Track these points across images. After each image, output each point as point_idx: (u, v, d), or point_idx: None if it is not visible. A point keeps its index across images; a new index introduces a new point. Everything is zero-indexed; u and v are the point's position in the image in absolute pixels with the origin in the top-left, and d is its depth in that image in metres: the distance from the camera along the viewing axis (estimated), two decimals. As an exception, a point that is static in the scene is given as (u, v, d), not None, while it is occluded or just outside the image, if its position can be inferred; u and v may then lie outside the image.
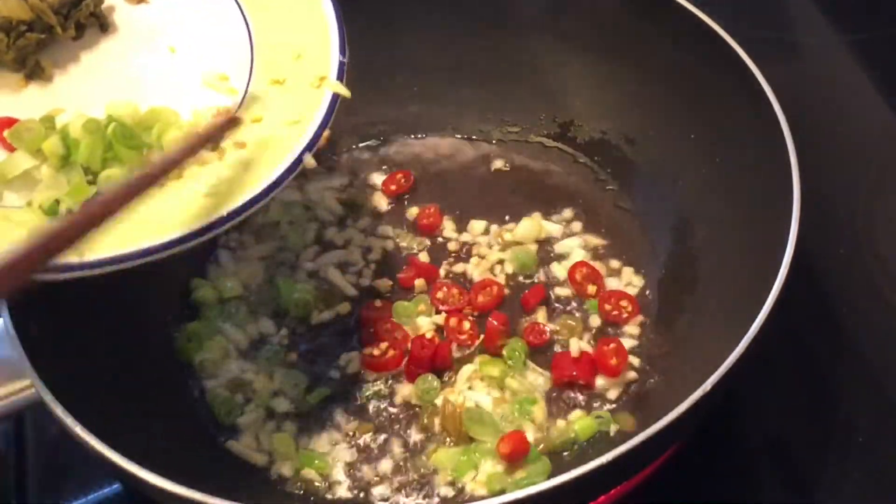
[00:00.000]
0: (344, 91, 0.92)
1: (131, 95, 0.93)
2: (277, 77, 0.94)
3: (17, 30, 0.95)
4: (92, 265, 0.80)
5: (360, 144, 1.25)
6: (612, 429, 0.97)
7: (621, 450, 0.77)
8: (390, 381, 1.03)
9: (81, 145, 0.87)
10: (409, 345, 1.04)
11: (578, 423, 0.98)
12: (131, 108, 0.91)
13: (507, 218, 1.16)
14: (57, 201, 0.85)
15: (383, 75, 1.24)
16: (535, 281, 1.10)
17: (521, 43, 1.21)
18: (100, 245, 0.79)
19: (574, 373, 1.01)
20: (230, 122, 0.90)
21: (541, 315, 1.07)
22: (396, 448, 0.98)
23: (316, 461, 0.97)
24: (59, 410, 0.82)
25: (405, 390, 1.02)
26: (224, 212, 0.83)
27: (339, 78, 0.92)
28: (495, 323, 1.04)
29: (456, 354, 1.04)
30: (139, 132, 0.90)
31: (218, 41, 0.98)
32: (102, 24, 0.99)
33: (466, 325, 1.05)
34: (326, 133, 0.89)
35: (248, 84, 0.95)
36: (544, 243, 1.14)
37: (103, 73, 0.97)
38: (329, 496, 0.96)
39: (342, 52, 0.94)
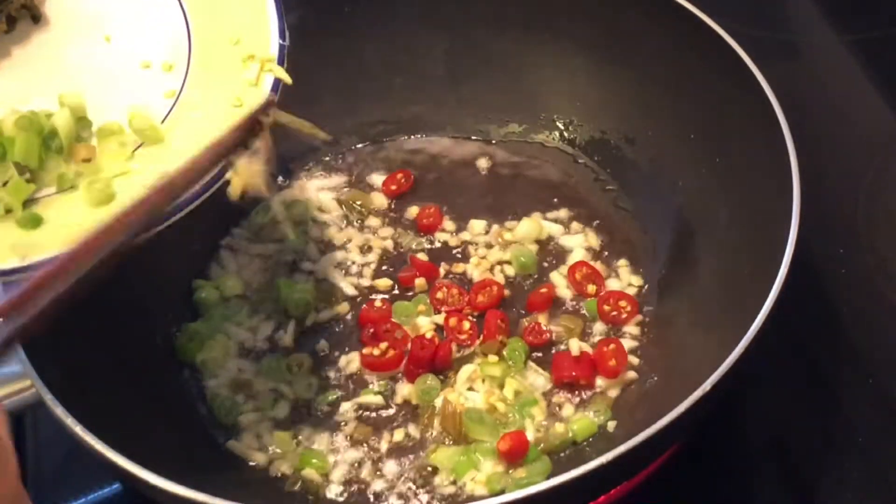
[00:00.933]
0: (285, 76, 0.91)
1: (68, 87, 0.91)
2: (217, 62, 0.94)
3: None
4: (36, 266, 0.78)
5: (360, 144, 1.25)
6: (612, 428, 0.97)
7: (621, 450, 0.77)
8: (390, 382, 1.03)
9: (16, 143, 0.85)
10: (409, 345, 1.04)
11: (578, 423, 0.98)
12: (78, 100, 0.90)
13: (507, 218, 1.16)
14: None
15: (383, 75, 1.24)
16: (534, 281, 1.10)
17: (521, 43, 1.21)
18: (44, 244, 0.79)
19: (574, 373, 1.01)
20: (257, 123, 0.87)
21: (541, 315, 1.07)
22: (396, 448, 0.98)
23: (316, 461, 0.97)
24: (59, 410, 0.82)
25: (405, 390, 1.02)
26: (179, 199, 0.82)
27: (280, 62, 0.92)
28: (496, 322, 1.04)
29: (456, 354, 1.04)
30: (79, 128, 0.89)
31: (155, 29, 0.97)
32: (34, 16, 0.97)
33: (466, 325, 1.05)
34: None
35: (187, 70, 0.94)
36: (544, 243, 1.14)
37: (37, 66, 0.95)
38: (329, 496, 0.96)
39: (282, 36, 0.93)
